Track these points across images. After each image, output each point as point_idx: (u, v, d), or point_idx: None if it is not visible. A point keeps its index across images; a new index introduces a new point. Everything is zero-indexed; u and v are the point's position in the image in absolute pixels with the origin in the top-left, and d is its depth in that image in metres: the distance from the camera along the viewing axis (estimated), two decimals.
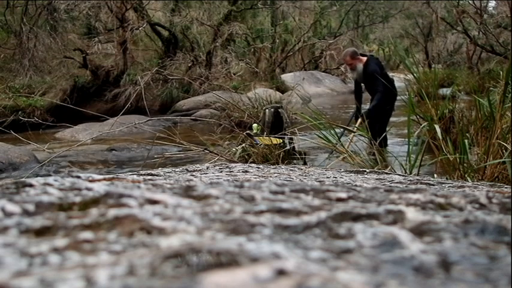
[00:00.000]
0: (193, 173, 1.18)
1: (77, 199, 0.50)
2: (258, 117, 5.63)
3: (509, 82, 2.34)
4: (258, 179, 0.96)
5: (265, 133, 4.79)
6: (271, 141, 4.26)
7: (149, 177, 0.89)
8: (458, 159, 2.15)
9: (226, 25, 13.45)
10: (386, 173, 1.33)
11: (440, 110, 3.38)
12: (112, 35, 12.65)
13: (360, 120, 4.68)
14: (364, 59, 5.08)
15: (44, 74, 11.75)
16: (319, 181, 1.02)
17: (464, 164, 2.15)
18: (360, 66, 5.02)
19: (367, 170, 1.38)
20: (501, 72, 6.50)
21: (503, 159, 2.09)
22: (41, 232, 0.40)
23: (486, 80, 10.19)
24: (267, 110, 5.10)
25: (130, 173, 1.07)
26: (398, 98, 5.23)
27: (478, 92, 4.78)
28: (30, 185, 0.56)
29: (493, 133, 2.18)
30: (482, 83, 9.08)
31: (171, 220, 0.43)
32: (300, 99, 7.12)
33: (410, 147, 2.34)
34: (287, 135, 4.21)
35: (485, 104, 2.38)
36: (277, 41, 17.47)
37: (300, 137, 3.71)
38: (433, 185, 0.98)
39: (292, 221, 0.44)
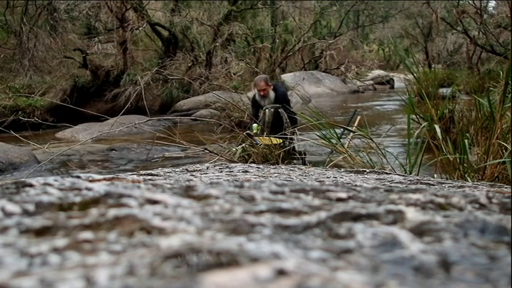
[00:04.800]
0: (193, 173, 1.18)
1: (77, 199, 0.50)
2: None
3: (509, 82, 2.33)
4: (258, 179, 0.96)
5: (265, 133, 4.78)
6: (271, 141, 4.25)
7: (149, 177, 0.89)
8: (458, 159, 2.15)
9: (226, 25, 13.46)
10: (387, 173, 1.33)
11: (440, 110, 3.38)
12: (112, 35, 12.66)
13: (359, 119, 4.68)
14: (271, 86, 5.22)
15: (44, 74, 11.76)
16: (319, 181, 1.02)
17: (464, 164, 2.15)
18: (272, 93, 5.14)
19: (367, 170, 1.38)
20: (501, 72, 6.50)
21: (503, 159, 2.09)
22: (41, 232, 0.40)
23: (486, 80, 10.19)
24: (267, 110, 5.09)
25: (130, 173, 1.07)
26: (398, 98, 5.29)
27: (478, 92, 4.78)
28: (30, 185, 0.56)
29: (493, 133, 2.18)
30: (482, 83, 9.08)
31: (171, 220, 0.43)
32: (300, 99, 7.11)
33: (410, 147, 2.34)
34: (287, 135, 4.20)
35: (485, 104, 2.38)
36: (277, 41, 17.49)
37: (300, 137, 3.71)
38: (433, 185, 0.98)
39: (292, 221, 0.44)
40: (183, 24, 13.11)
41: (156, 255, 0.33)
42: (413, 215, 0.47)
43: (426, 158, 2.47)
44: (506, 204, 0.54)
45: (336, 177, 1.11)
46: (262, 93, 5.15)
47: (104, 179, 0.65)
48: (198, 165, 1.53)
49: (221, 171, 1.22)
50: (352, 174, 1.23)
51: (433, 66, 16.97)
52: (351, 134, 3.33)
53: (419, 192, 0.60)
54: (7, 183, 0.57)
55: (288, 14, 18.46)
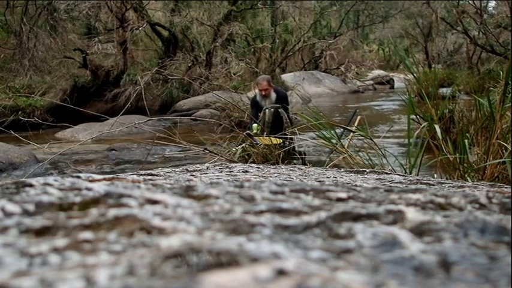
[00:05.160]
0: (193, 173, 1.18)
1: (77, 199, 0.50)
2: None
3: (509, 82, 2.33)
4: (258, 179, 0.95)
5: (265, 133, 4.78)
6: (271, 141, 4.25)
7: (149, 177, 0.89)
8: (458, 159, 2.15)
9: (226, 25, 13.45)
10: (387, 173, 1.33)
11: (440, 110, 3.38)
12: (112, 35, 12.66)
13: (359, 118, 4.68)
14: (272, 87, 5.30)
15: (44, 74, 11.76)
16: (319, 181, 1.02)
17: (464, 164, 2.15)
18: (273, 94, 5.18)
19: (367, 170, 1.38)
20: (501, 72, 6.50)
21: (503, 159, 2.09)
22: (41, 232, 0.40)
23: (486, 80, 10.19)
24: (267, 110, 5.09)
25: (130, 173, 1.07)
26: (398, 98, 5.33)
27: (478, 92, 4.78)
28: (30, 185, 0.56)
29: (493, 133, 2.18)
30: (482, 83, 9.08)
31: (171, 220, 0.43)
32: (300, 99, 7.11)
33: (410, 147, 2.34)
34: (287, 135, 4.21)
35: (485, 104, 2.38)
36: (277, 41, 17.49)
37: (300, 137, 3.71)
38: (433, 185, 0.98)
39: (292, 221, 0.44)
40: (183, 24, 13.11)
41: (156, 255, 0.33)
42: (413, 215, 0.47)
43: (426, 158, 2.47)
44: (506, 204, 0.54)
45: (336, 177, 1.11)
46: (263, 93, 5.14)
47: (104, 179, 0.65)
48: (198, 165, 1.53)
49: (221, 171, 1.22)
50: (352, 174, 1.23)
51: (433, 66, 16.97)
52: (351, 134, 3.33)
53: (419, 192, 0.60)
54: (7, 183, 0.57)
55: (288, 14, 18.46)
